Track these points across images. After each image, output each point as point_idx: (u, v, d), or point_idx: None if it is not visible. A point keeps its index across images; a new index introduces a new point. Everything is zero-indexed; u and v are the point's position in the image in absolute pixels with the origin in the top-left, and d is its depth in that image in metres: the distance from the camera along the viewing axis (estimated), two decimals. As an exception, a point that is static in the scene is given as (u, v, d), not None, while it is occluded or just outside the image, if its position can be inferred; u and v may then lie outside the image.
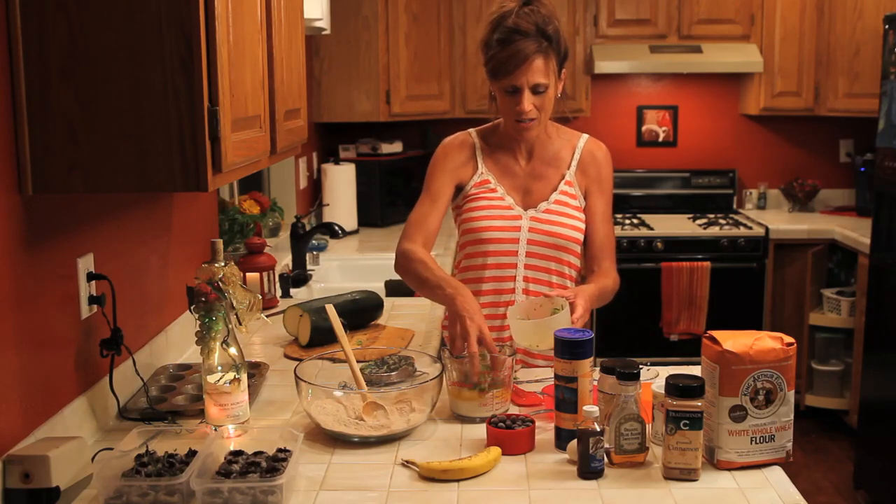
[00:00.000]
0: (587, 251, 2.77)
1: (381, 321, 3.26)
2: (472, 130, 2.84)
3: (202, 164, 1.90)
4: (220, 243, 2.29)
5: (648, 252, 5.51)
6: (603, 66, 5.66)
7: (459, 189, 2.78)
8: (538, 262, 2.72)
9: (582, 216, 2.75)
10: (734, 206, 6.22)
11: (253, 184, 4.73)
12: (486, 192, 2.75)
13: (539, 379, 2.56)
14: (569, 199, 2.74)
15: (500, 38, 2.57)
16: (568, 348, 2.10)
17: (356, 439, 2.16)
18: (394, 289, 3.84)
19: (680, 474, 1.95)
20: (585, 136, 2.82)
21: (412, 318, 3.30)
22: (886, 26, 4.60)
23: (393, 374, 2.48)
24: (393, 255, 4.37)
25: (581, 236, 2.74)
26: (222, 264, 2.26)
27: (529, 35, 2.54)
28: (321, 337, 2.87)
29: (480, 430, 2.20)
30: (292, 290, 3.87)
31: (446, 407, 2.34)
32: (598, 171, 2.77)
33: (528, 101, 2.59)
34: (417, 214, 2.74)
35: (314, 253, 4.50)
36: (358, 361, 2.39)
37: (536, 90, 2.58)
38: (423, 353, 2.55)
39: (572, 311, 2.40)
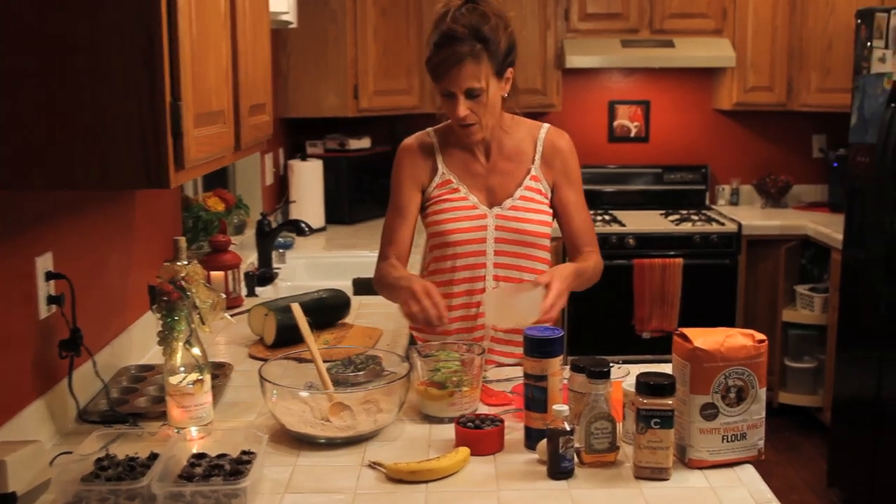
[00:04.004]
0: (567, 242, 2.79)
1: (348, 320, 3.25)
2: (430, 129, 2.85)
3: (164, 161, 1.89)
4: (182, 241, 2.28)
5: (620, 248, 5.53)
6: (574, 61, 5.67)
7: (424, 192, 2.79)
8: (507, 259, 2.72)
9: (549, 210, 2.75)
10: (707, 202, 6.24)
11: (217, 180, 4.70)
12: (449, 193, 2.75)
13: (508, 378, 2.55)
14: (535, 195, 2.74)
15: (436, 41, 2.60)
16: (537, 346, 2.10)
17: (322, 441, 2.15)
18: (361, 287, 3.83)
19: (651, 473, 1.95)
20: (546, 126, 2.81)
21: (380, 316, 3.30)
22: (858, 21, 4.63)
23: (360, 373, 2.47)
24: (361, 253, 4.38)
25: (549, 230, 2.75)
26: (185, 263, 2.25)
27: (462, 39, 2.55)
28: (287, 336, 2.85)
29: (449, 431, 2.19)
30: (257, 289, 3.86)
31: (414, 407, 2.33)
32: (563, 162, 2.77)
33: (463, 107, 2.60)
34: (387, 229, 2.77)
35: (280, 251, 4.48)
36: (324, 361, 2.38)
37: (471, 95, 2.60)
38: (391, 353, 2.55)
39: (547, 296, 2.41)
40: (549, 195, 2.76)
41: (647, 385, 1.94)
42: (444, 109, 2.70)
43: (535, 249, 2.74)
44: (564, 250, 3.04)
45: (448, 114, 2.68)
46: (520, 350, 2.33)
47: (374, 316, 3.33)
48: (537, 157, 2.76)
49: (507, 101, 2.71)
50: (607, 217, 5.86)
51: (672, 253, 5.54)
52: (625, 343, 5.49)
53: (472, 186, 2.75)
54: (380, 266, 2.72)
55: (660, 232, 5.61)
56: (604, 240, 5.47)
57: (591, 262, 2.73)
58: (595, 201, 6.15)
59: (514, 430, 2.19)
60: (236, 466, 1.87)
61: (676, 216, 5.88)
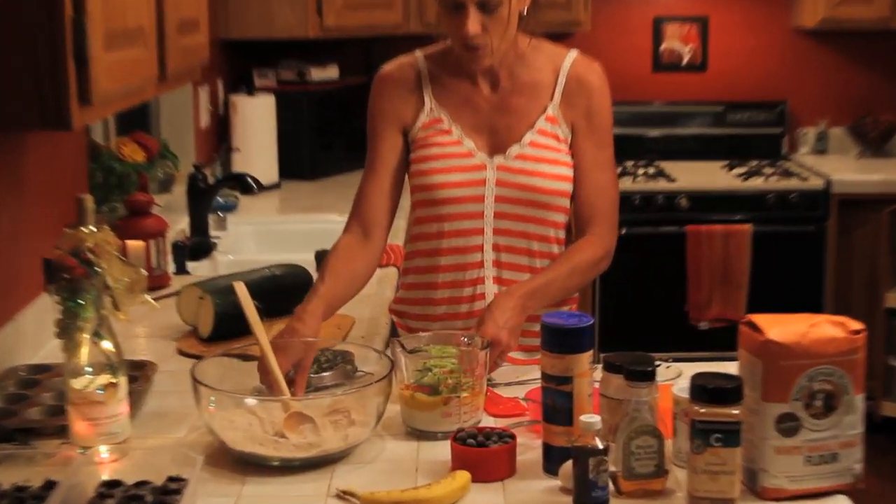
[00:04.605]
0: (572, 209, 2.78)
1: (309, 305, 3.25)
2: (418, 52, 2.85)
3: (64, 94, 1.89)
4: (89, 200, 2.27)
5: (669, 212, 5.53)
6: (608, -37, 5.66)
7: (407, 134, 2.79)
8: (512, 224, 2.73)
9: (569, 161, 2.75)
10: (784, 151, 6.25)
11: (136, 121, 4.69)
12: (437, 136, 2.76)
13: (521, 380, 2.56)
14: (550, 141, 2.74)
15: None
16: (559, 338, 2.09)
17: (276, 463, 2.15)
18: (326, 262, 3.84)
19: (710, 506, 1.96)
20: (573, 53, 2.81)
21: (352, 300, 3.29)
22: None
23: (326, 374, 2.47)
24: (326, 218, 4.38)
25: (568, 187, 2.74)
26: (93, 229, 2.24)
27: None
28: (228, 326, 2.86)
29: (444, 449, 2.19)
30: (189, 264, 3.87)
31: (397, 418, 2.34)
32: (587, 101, 2.76)
33: (473, 22, 2.60)
34: (359, 189, 2.80)
35: (220, 214, 4.48)
36: (278, 359, 2.39)
37: (485, 8, 2.59)
38: (367, 347, 2.55)
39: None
40: (570, 141, 2.76)
41: (706, 390, 1.94)
42: (444, 27, 2.70)
43: (548, 212, 2.74)
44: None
45: (449, 32, 2.68)
46: (536, 342, 2.34)
47: (344, 300, 3.33)
48: (557, 92, 2.76)
49: (526, 19, 2.71)
50: (652, 170, 5.86)
51: (738, 217, 5.55)
52: (675, 335, 5.49)
53: (469, 127, 2.75)
54: (333, 246, 2.75)
55: (722, 190, 5.62)
56: (647, 200, 5.48)
57: (571, 264, 2.70)
58: (636, 149, 6.14)
59: (529, 449, 2.19)
60: (161, 497, 1.87)
61: (743, 169, 5.88)
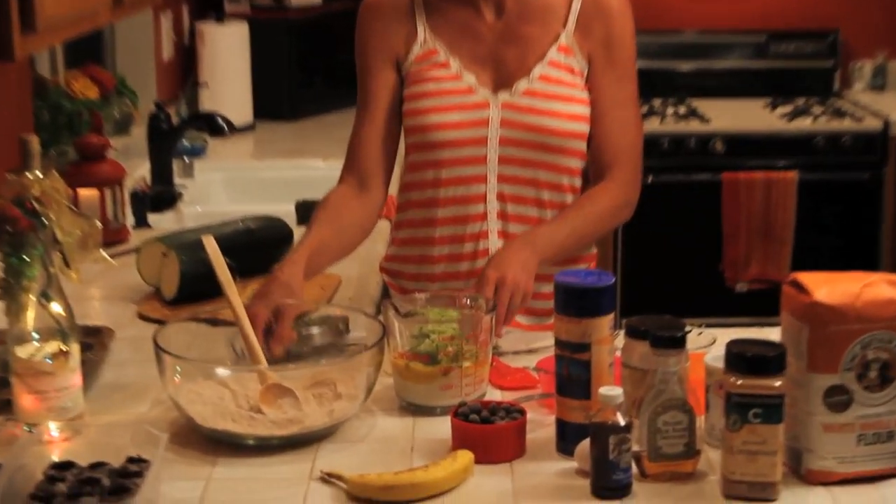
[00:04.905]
0: (589, 153, 2.77)
1: (289, 263, 3.26)
2: None
3: (4, 19, 1.88)
4: (34, 142, 2.28)
5: (703, 157, 5.52)
6: None
7: (400, 68, 2.79)
8: (519, 170, 2.72)
9: (585, 98, 2.74)
10: (835, 87, 6.24)
11: (89, 52, 4.68)
12: (433, 69, 2.75)
13: (531, 348, 2.57)
14: (563, 74, 2.73)
15: None
16: (576, 300, 2.10)
17: (251, 442, 2.16)
18: (309, 214, 3.83)
19: (749, 491, 1.96)
20: None
21: (338, 257, 3.30)
22: None
23: (314, 330, 2.47)
24: (308, 163, 4.37)
25: (585, 128, 2.73)
26: (39, 175, 2.25)
27: None
28: (196, 287, 2.87)
29: (443, 426, 2.20)
30: (151, 217, 3.86)
31: (390, 391, 2.35)
32: (605, 28, 2.74)
33: None
34: (352, 135, 2.79)
35: (186, 159, 4.47)
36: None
37: None
38: (355, 310, 2.55)
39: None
40: (586, 75, 2.76)
41: (743, 358, 1.94)
42: None
43: (560, 156, 2.73)
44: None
45: None
46: (548, 305, 2.34)
47: (329, 257, 3.33)
48: (571, 18, 2.75)
49: None
50: (683, 109, 5.85)
51: (782, 164, 5.55)
52: (708, 297, 5.52)
53: (469, 60, 2.74)
54: (324, 197, 2.76)
55: (763, 132, 5.62)
56: (678, 144, 5.47)
57: (583, 212, 2.70)
58: (665, 86, 6.13)
59: (541, 426, 2.20)
60: (120, 481, 1.88)
61: (788, 108, 5.88)
